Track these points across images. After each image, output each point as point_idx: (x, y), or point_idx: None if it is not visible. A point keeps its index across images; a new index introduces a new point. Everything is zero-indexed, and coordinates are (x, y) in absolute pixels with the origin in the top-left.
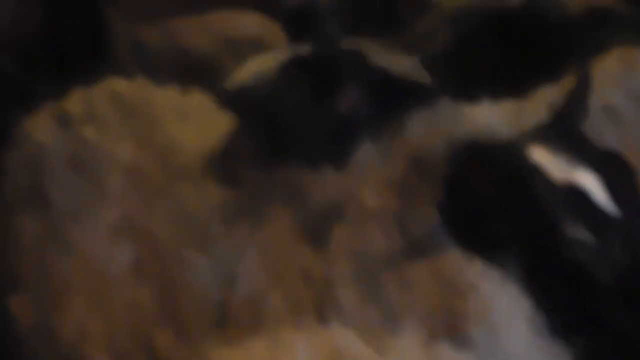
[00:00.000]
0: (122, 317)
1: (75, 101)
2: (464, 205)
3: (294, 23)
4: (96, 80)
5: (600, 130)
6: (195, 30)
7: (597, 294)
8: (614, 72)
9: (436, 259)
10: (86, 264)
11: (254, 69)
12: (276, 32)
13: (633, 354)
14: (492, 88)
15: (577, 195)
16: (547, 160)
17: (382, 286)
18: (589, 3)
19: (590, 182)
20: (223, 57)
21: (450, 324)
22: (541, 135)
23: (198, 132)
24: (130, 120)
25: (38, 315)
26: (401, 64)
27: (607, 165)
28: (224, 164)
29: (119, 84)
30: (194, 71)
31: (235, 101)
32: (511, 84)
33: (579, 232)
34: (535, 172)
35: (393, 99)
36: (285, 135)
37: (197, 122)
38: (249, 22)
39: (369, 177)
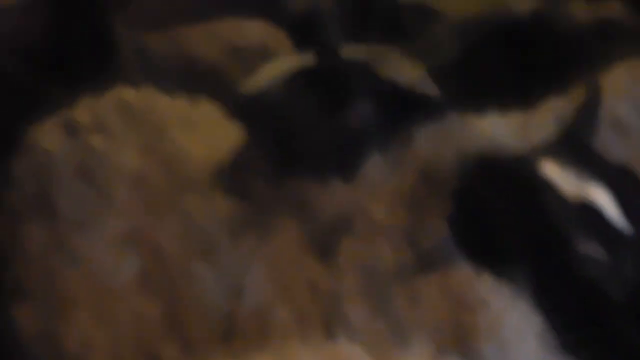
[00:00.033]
0: (127, 328)
1: (83, 110)
2: (474, 219)
3: (299, 30)
4: (104, 89)
5: (608, 142)
6: (201, 38)
7: (608, 311)
8: (622, 84)
9: (446, 273)
10: (92, 274)
11: (269, 74)
12: (281, 39)
13: None
14: (500, 99)
15: (589, 212)
16: (558, 175)
17: (391, 300)
18: (597, 15)
19: (602, 198)
20: (229, 65)
21: (459, 339)
22: (552, 150)
23: (206, 142)
24: (137, 130)
25: (42, 325)
26: (409, 75)
27: (619, 181)
28: (233, 176)
29: (126, 93)
30: (201, 79)
31: (244, 112)
32: (518, 95)
33: (590, 249)
34: (546, 187)
35: (401, 111)
36: (293, 147)
37: (205, 132)
38: (254, 30)
39: (377, 189)
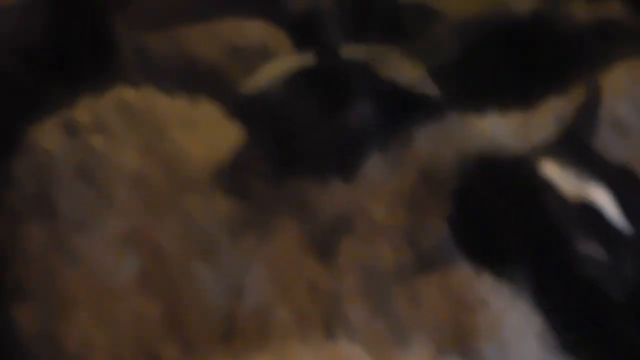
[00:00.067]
0: (127, 328)
1: (83, 110)
2: (474, 219)
3: (299, 30)
4: (104, 89)
5: (608, 142)
6: (201, 38)
7: (608, 311)
8: (622, 84)
9: (446, 273)
10: (92, 274)
11: (269, 74)
12: (281, 39)
13: None
14: (500, 99)
15: (589, 212)
16: (558, 175)
17: (391, 300)
18: (597, 15)
19: (602, 198)
20: (229, 65)
21: (459, 339)
22: (552, 150)
23: (206, 142)
24: (137, 130)
25: (42, 325)
26: (409, 75)
27: (619, 181)
28: (233, 176)
29: (126, 93)
30: (201, 79)
31: (244, 112)
32: (518, 95)
33: (590, 249)
34: (546, 187)
35: (401, 111)
36: (293, 147)
37: (205, 132)
38: (254, 30)
39: (377, 189)
